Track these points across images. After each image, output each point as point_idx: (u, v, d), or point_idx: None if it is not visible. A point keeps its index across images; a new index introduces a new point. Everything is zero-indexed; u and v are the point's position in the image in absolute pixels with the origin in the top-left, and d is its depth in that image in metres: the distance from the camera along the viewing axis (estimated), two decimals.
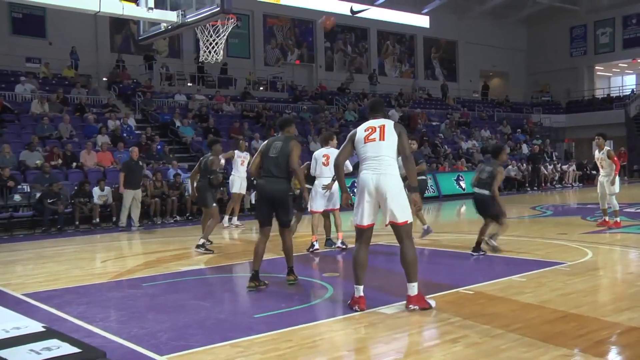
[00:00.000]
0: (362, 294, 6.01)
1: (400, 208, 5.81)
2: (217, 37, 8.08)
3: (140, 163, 15.92)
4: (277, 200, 6.90)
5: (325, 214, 10.29)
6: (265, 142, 7.39)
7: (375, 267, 8.19)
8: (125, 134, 19.66)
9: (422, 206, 7.18)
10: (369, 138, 5.90)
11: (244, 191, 14.92)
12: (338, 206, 10.14)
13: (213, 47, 8.26)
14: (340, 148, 6.45)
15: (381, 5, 32.69)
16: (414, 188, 6.15)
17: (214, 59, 8.59)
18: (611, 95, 40.71)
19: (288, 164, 6.87)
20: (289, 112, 25.83)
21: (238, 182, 14.37)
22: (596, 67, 42.27)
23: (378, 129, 5.88)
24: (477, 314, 5.82)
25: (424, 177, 11.25)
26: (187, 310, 6.38)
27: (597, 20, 39.49)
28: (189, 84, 26.55)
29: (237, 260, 9.84)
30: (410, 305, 5.77)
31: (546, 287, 7.14)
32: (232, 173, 14.49)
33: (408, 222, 5.87)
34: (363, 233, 5.91)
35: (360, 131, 6.00)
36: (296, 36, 31.55)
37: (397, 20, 34.30)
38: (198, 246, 10.07)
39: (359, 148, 5.96)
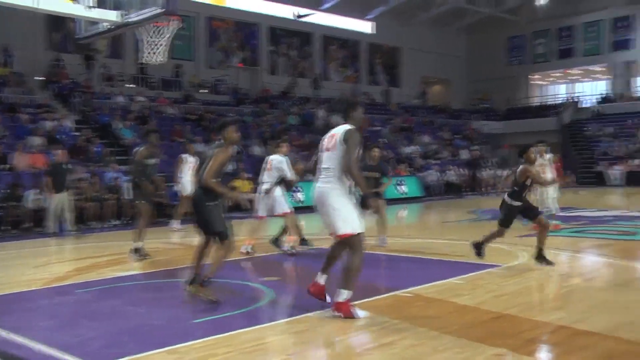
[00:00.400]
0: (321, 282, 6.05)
1: (341, 220, 5.67)
2: (161, 38, 7.94)
3: (69, 166, 15.20)
4: (194, 209, 6.69)
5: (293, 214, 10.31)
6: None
7: (311, 269, 8.15)
8: (61, 135, 19.01)
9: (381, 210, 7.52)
10: (325, 147, 5.82)
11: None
12: (285, 211, 9.98)
13: (156, 48, 8.09)
14: None
15: (326, 10, 32.81)
16: (365, 196, 6.06)
17: (157, 60, 8.40)
18: (547, 103, 42.04)
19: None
20: (231, 115, 25.34)
21: (189, 186, 14.38)
22: (533, 76, 43.36)
23: (333, 138, 5.76)
24: (415, 317, 5.86)
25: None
26: (122, 317, 6.21)
27: (535, 31, 40.52)
28: (130, 85, 26.02)
29: (174, 265, 9.47)
30: (335, 312, 5.66)
31: (482, 289, 7.22)
32: (181, 177, 14.40)
33: (351, 234, 5.68)
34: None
35: (324, 139, 5.95)
36: (240, 39, 31.40)
37: (342, 26, 34.54)
38: (133, 251, 9.69)
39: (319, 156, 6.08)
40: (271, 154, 10.27)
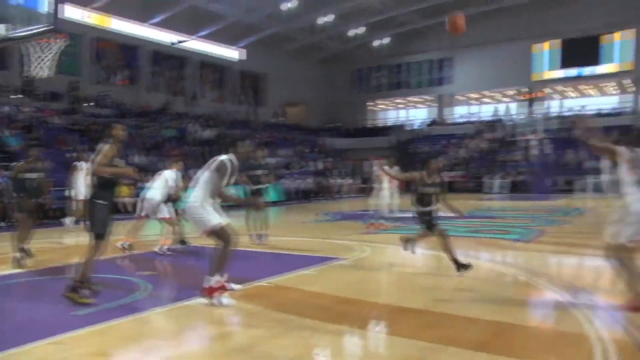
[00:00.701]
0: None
1: (205, 221, 5.99)
2: (48, 53, 7.69)
3: None
4: (87, 207, 6.48)
5: (173, 220, 10.04)
6: None
7: (183, 264, 8.63)
8: None
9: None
10: (206, 166, 6.22)
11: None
12: (165, 216, 9.88)
13: (42, 63, 7.83)
14: None
15: (202, 38, 33.38)
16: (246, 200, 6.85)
17: (43, 74, 8.15)
18: (385, 125, 44.56)
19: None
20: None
21: (83, 190, 13.95)
22: (375, 103, 45.91)
23: (213, 162, 6.11)
24: (274, 302, 6.13)
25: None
26: (6, 313, 5.94)
27: (375, 66, 43.10)
28: (15, 96, 24.97)
29: (57, 264, 9.01)
30: (204, 296, 5.86)
31: (330, 278, 7.58)
32: (75, 182, 14.20)
33: (212, 227, 5.96)
34: None
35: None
36: (123, 59, 30.95)
37: (215, 52, 35.21)
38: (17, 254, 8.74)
39: None
40: (167, 168, 10.15)
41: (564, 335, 5.04)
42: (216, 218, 5.99)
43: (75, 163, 14.63)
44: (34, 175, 8.66)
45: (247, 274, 7.51)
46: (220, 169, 6.02)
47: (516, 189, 30.60)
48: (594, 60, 35.17)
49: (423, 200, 7.59)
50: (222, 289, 5.91)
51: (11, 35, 6.01)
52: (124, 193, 18.12)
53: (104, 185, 6.15)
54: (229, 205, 8.83)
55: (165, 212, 9.96)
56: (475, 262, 8.21)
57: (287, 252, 9.88)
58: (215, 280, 5.82)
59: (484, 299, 6.36)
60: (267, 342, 4.82)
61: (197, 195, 6.09)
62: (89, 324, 5.21)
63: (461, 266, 7.35)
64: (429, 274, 8.26)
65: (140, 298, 6.36)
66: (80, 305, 5.71)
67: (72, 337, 4.89)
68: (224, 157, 6.14)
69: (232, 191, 7.90)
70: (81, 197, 13.89)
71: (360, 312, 5.74)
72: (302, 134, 39.04)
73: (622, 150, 5.56)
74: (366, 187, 15.62)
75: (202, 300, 5.98)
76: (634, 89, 36.48)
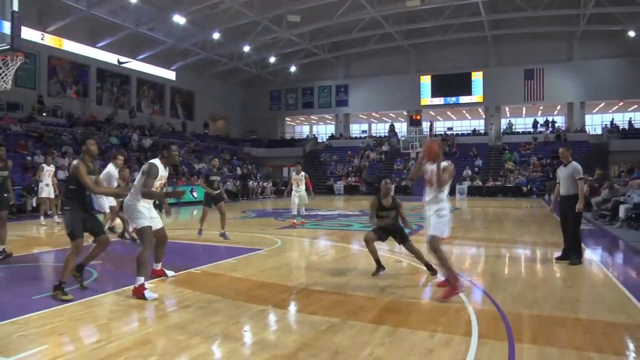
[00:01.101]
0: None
1: (131, 220, 5.99)
2: (7, 69, 7.59)
3: None
4: None
5: (108, 215, 10.01)
6: None
7: (126, 254, 8.44)
8: None
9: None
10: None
11: (52, 195, 14.46)
12: (106, 210, 9.80)
13: (2, 77, 7.70)
14: None
15: (141, 60, 33.98)
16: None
17: (2, 87, 7.91)
18: (295, 137, 46.22)
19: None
20: (66, 135, 25.86)
21: (46, 188, 14.27)
22: (286, 119, 47.28)
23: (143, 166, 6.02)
24: (203, 286, 6.10)
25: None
26: None
27: (288, 88, 44.59)
28: None
29: (22, 252, 8.77)
30: (133, 296, 5.55)
31: (251, 265, 7.55)
32: (41, 181, 14.27)
33: (135, 228, 5.93)
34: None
35: None
36: (74, 75, 30.91)
37: (152, 72, 35.55)
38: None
39: None
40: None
41: (447, 308, 5.22)
42: (144, 220, 5.80)
43: (42, 164, 14.60)
44: (4, 173, 8.16)
45: (181, 263, 7.46)
46: (147, 171, 5.84)
47: (400, 192, 31.88)
48: (466, 91, 39.10)
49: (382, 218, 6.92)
50: (143, 288, 5.60)
51: None
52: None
53: (70, 193, 5.86)
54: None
55: (106, 205, 9.82)
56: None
57: (215, 244, 9.64)
58: (139, 281, 5.59)
59: (381, 280, 6.47)
60: (199, 320, 4.79)
61: (131, 196, 5.94)
62: (45, 307, 5.15)
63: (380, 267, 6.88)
64: (336, 260, 8.28)
65: (88, 284, 6.14)
66: (62, 302, 5.39)
67: (30, 318, 4.82)
68: (152, 160, 5.99)
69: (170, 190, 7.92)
70: (44, 195, 14.13)
71: (278, 294, 5.80)
72: (225, 143, 39.33)
73: (427, 167, 5.91)
74: (283, 190, 15.46)
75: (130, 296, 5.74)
76: (483, 115, 40.83)
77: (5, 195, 8.14)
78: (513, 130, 39.73)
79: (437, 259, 5.81)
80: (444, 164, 5.72)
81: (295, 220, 13.21)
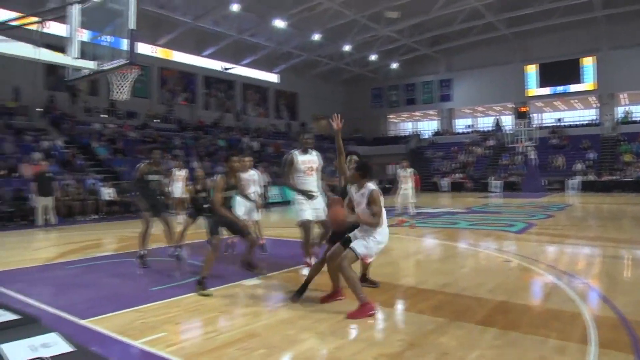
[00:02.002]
0: None
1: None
2: (126, 81, 7.83)
3: (50, 174, 15.30)
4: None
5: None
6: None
7: (237, 251, 8.66)
8: (54, 152, 20.21)
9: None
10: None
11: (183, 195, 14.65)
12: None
13: (122, 89, 7.90)
14: None
15: (245, 65, 35.40)
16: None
17: (122, 98, 8.13)
18: (399, 135, 45.74)
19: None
20: (177, 140, 27.33)
21: (178, 190, 14.71)
22: (389, 116, 46.95)
23: None
24: (311, 283, 5.77)
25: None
26: (100, 286, 6.38)
27: (389, 85, 44.29)
28: (103, 115, 27.17)
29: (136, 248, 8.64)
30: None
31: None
32: (172, 184, 14.55)
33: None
34: None
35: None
36: (183, 84, 33.07)
37: (256, 76, 36.87)
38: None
39: None
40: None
41: (561, 312, 4.90)
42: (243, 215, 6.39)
43: (172, 169, 15.20)
44: (155, 177, 8.19)
45: (290, 260, 7.59)
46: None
47: (508, 188, 31.46)
48: (575, 79, 36.53)
49: None
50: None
51: (100, 69, 6.41)
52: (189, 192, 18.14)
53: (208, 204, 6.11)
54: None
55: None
56: (479, 250, 8.42)
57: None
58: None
59: (489, 281, 6.30)
60: (307, 316, 4.89)
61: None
62: (163, 298, 5.55)
63: None
64: (442, 259, 8.18)
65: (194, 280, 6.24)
66: (203, 297, 5.63)
67: (150, 307, 5.21)
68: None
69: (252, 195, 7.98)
70: (176, 196, 14.50)
71: (386, 292, 5.76)
72: (329, 142, 37.82)
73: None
74: (388, 187, 14.82)
75: (250, 282, 6.27)
76: (598, 104, 37.83)
77: (160, 197, 8.41)
78: (630, 119, 36.29)
79: (343, 277, 5.07)
80: (370, 187, 5.08)
81: (402, 218, 13.07)
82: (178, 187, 14.55)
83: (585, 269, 7.27)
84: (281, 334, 4.42)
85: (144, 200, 8.03)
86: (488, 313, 4.94)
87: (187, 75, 33.28)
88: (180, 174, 14.88)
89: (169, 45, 30.85)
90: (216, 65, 33.85)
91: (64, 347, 1.68)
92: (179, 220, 13.62)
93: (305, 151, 6.89)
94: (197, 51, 32.80)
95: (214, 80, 34.98)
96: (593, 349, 3.98)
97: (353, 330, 4.56)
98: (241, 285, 6.17)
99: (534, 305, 5.37)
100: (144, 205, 7.98)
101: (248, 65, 35.78)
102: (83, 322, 4.76)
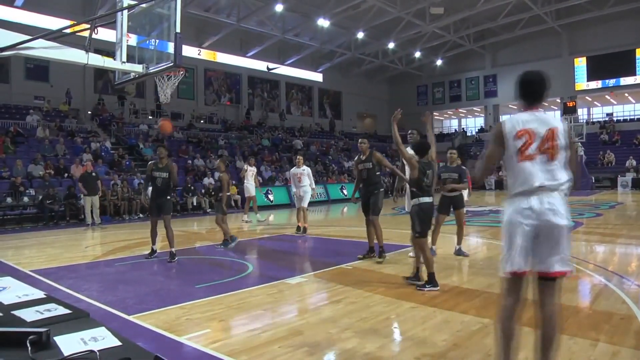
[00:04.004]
0: None
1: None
2: (171, 83, 8.02)
3: (95, 174, 15.64)
4: None
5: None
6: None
7: (280, 250, 9.00)
8: (103, 153, 20.69)
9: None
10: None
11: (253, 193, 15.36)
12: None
13: (167, 91, 8.10)
14: None
15: (289, 65, 35.62)
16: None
17: (168, 99, 8.50)
18: (444, 132, 45.46)
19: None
20: (222, 140, 27.60)
21: (252, 189, 15.19)
22: (434, 113, 45.08)
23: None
24: (354, 282, 6.23)
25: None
26: (147, 283, 6.53)
27: (434, 82, 44.07)
28: (150, 117, 27.77)
29: (187, 246, 9.86)
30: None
31: (401, 262, 7.59)
32: (246, 182, 15.05)
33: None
34: None
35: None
36: (227, 84, 33.50)
37: (300, 76, 37.16)
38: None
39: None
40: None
41: (611, 315, 4.75)
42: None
43: (245, 166, 15.48)
44: (164, 175, 8.35)
45: (333, 259, 7.84)
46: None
47: None
48: (628, 71, 35.19)
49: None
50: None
51: (146, 72, 6.55)
52: (232, 191, 18.72)
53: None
54: None
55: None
56: None
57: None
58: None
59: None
60: (350, 315, 4.91)
61: None
62: (207, 295, 5.67)
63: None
64: (487, 259, 8.09)
65: (245, 276, 6.76)
66: (423, 290, 5.75)
67: (194, 304, 5.31)
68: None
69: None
70: (249, 194, 14.97)
71: (430, 291, 5.78)
72: (373, 140, 38.70)
73: None
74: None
75: (294, 280, 6.36)
76: None
77: (166, 199, 8.46)
78: None
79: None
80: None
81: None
82: (252, 184, 14.85)
83: (637, 271, 7.03)
84: (324, 332, 4.44)
85: (150, 200, 8.50)
86: (534, 314, 4.71)
87: (231, 75, 33.83)
88: (252, 170, 15.13)
89: (214, 47, 31.35)
90: (260, 65, 34.22)
91: (112, 341, 1.75)
92: (245, 218, 14.93)
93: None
94: (241, 52, 33.27)
95: (258, 80, 35.50)
96: None
97: (395, 330, 4.57)
98: (285, 283, 6.26)
99: (583, 307, 5.21)
100: (147, 205, 8.27)
101: (292, 64, 36.06)
102: (130, 317, 4.90)
